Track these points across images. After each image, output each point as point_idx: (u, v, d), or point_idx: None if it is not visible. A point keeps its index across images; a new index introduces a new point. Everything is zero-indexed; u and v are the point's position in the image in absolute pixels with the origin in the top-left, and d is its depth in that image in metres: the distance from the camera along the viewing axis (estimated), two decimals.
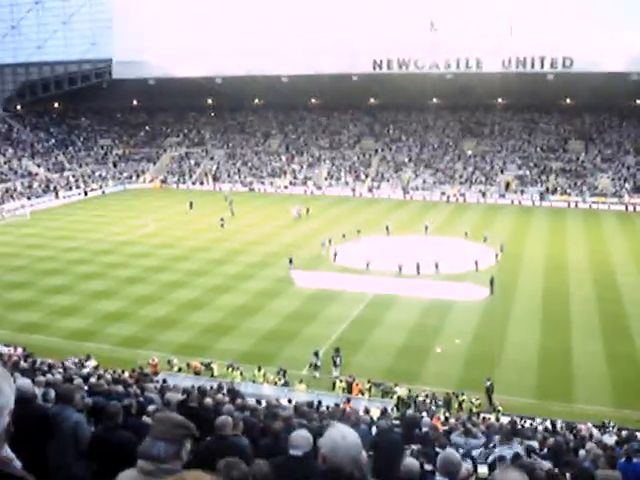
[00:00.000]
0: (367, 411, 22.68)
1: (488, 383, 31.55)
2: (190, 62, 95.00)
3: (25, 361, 26.35)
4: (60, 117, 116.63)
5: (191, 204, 79.70)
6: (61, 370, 23.24)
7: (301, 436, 5.99)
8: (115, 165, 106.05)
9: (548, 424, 26.09)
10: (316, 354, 35.22)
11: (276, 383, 32.83)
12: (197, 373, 34.09)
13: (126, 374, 26.72)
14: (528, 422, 26.50)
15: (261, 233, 66.78)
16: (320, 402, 26.42)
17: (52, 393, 8.86)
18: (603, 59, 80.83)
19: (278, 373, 33.23)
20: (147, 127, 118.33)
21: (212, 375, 33.56)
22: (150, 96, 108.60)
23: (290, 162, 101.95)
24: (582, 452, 14.30)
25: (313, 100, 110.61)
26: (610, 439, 19.74)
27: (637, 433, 21.87)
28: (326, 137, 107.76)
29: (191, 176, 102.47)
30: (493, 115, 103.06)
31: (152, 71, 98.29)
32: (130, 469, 3.48)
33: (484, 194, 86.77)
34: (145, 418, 9.48)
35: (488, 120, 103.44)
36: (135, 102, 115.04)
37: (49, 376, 15.77)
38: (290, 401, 25.55)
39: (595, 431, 23.23)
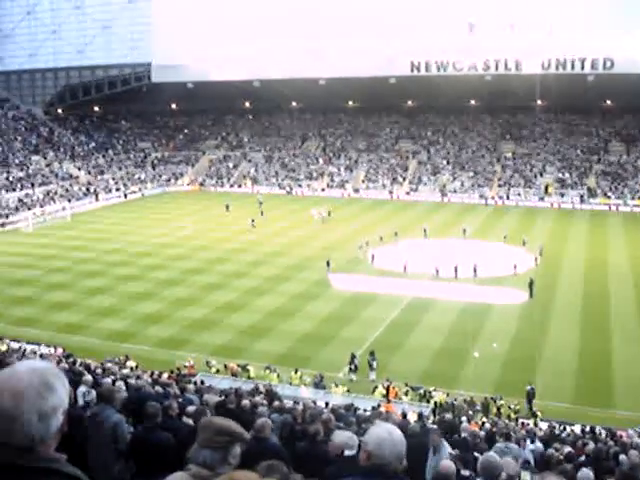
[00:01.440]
0: (404, 415, 22.57)
1: (529, 387, 31.22)
2: (228, 66, 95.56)
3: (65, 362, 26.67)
4: (100, 120, 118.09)
5: (227, 207, 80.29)
6: (100, 371, 23.50)
7: (349, 436, 6.08)
8: (154, 168, 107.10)
9: (588, 430, 25.75)
10: (353, 357, 35.16)
11: (301, 383, 32.96)
12: (234, 375, 34.21)
13: (165, 375, 26.94)
14: (567, 428, 26.18)
15: (298, 235, 66.91)
16: (353, 404, 26.31)
17: (94, 393, 8.96)
18: None
19: (316, 377, 33.20)
20: (186, 130, 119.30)
21: (249, 377, 33.65)
22: (189, 99, 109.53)
23: (327, 165, 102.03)
24: (622, 458, 14.06)
25: (350, 103, 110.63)
26: None
27: None
28: (363, 140, 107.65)
29: (229, 179, 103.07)
30: (532, 117, 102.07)
31: (191, 75, 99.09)
32: (180, 472, 3.47)
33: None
34: (185, 419, 9.54)
35: (527, 122, 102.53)
36: (174, 105, 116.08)
37: (89, 377, 15.93)
38: (327, 404, 25.53)
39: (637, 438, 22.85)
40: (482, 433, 17.82)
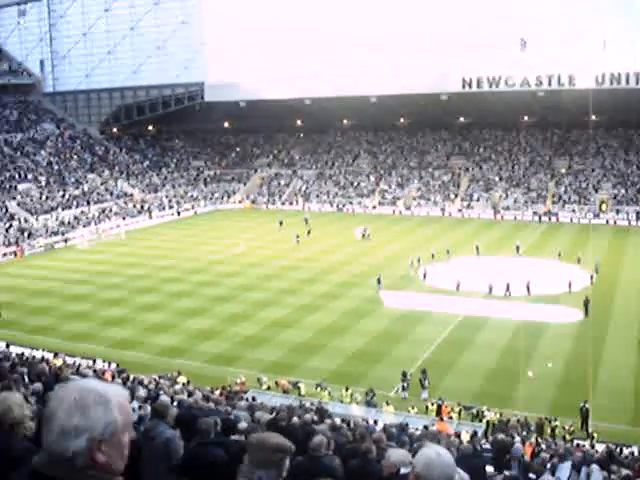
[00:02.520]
0: (457, 435, 22.30)
1: (581, 404, 30.62)
2: (280, 84, 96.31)
3: (119, 377, 26.94)
4: (154, 139, 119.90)
5: (281, 222, 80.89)
6: (152, 387, 23.67)
7: (405, 454, 6.06)
8: (207, 186, 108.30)
9: None
10: (404, 375, 34.91)
11: (352, 401, 32.78)
12: (285, 392, 34.22)
13: (217, 392, 27.03)
14: (625, 450, 25.56)
15: (349, 252, 66.82)
16: (406, 423, 26.09)
17: (148, 408, 9.01)
18: None
19: (367, 394, 33.04)
20: (238, 148, 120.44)
21: (300, 394, 33.63)
22: (241, 118, 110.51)
23: (379, 182, 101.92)
24: None
25: (402, 120, 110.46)
26: None
27: None
28: (415, 157, 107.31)
29: (280, 196, 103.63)
30: (587, 132, 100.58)
31: (243, 93, 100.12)
32: None
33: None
34: (236, 436, 9.52)
35: (582, 138, 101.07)
36: (226, 124, 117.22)
37: (142, 392, 16.06)
38: (376, 422, 25.34)
39: None
40: (545, 455, 17.49)
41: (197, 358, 40.09)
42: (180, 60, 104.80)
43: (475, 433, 24.46)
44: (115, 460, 2.53)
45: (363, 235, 73.30)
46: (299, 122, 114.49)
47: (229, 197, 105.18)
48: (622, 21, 79.50)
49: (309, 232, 75.52)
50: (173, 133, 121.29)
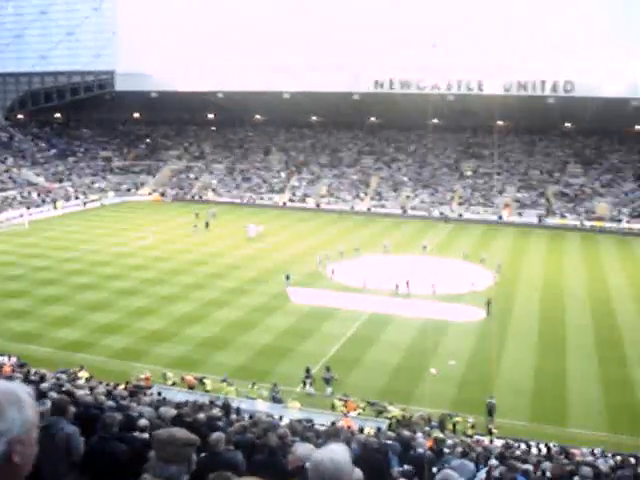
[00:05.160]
0: (361, 430, 22.58)
1: (488, 400, 31.45)
2: (192, 76, 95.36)
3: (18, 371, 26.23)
4: (61, 127, 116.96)
5: (197, 214, 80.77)
6: (54, 381, 23.14)
7: (311, 449, 6.11)
8: (114, 177, 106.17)
9: (542, 447, 25.96)
10: (308, 371, 35.16)
11: (258, 397, 32.81)
12: (191, 387, 33.96)
13: (121, 387, 26.62)
14: (523, 445, 26.36)
15: (258, 249, 66.71)
16: (311, 420, 26.29)
17: (47, 404, 8.81)
18: (604, 84, 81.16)
19: (272, 390, 33.10)
20: (148, 140, 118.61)
21: (205, 390, 33.43)
22: (152, 109, 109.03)
23: (290, 179, 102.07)
24: (576, 478, 14.19)
25: (314, 117, 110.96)
26: (605, 465, 19.62)
27: (631, 459, 21.74)
28: (326, 155, 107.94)
29: (190, 190, 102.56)
30: (493, 137, 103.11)
31: (154, 84, 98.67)
32: None
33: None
34: (137, 433, 9.41)
35: (488, 142, 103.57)
36: (137, 115, 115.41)
37: (43, 386, 15.70)
38: (282, 418, 25.42)
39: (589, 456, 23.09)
40: (446, 450, 17.86)
41: (101, 352, 39.31)
42: (91, 47, 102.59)
43: (379, 429, 24.81)
44: (28, 459, 2.46)
45: (256, 233, 72.29)
46: (211, 115, 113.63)
47: (138, 189, 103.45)
48: (530, 30, 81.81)
49: (207, 224, 75.73)
50: (81, 122, 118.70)
